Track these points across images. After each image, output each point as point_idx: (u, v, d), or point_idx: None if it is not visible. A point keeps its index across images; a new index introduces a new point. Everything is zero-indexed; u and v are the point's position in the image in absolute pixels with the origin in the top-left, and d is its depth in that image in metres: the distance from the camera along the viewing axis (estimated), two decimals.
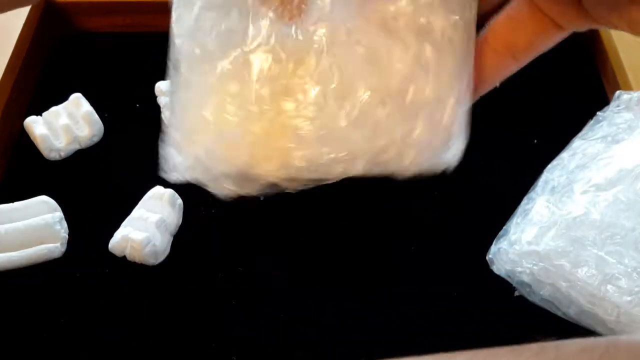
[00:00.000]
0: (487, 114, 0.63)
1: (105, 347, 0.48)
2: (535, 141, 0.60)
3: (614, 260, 0.46)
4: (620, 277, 0.46)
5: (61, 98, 0.61)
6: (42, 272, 0.51)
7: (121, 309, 0.50)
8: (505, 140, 0.61)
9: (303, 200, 0.56)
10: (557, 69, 0.68)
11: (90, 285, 0.51)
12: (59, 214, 0.53)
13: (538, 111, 0.64)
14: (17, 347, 0.48)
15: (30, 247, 0.51)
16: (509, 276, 0.49)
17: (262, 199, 0.56)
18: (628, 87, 0.60)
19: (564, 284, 0.47)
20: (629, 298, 0.45)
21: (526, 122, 0.62)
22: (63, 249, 0.52)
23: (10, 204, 0.53)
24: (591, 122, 0.57)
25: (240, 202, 0.55)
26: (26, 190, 0.55)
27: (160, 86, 0.63)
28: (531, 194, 0.53)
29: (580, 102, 0.59)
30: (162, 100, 0.62)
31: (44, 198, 0.53)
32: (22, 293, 0.50)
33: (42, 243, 0.51)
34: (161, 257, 0.52)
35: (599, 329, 0.47)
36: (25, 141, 0.59)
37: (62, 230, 0.52)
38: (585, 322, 0.47)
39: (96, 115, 0.60)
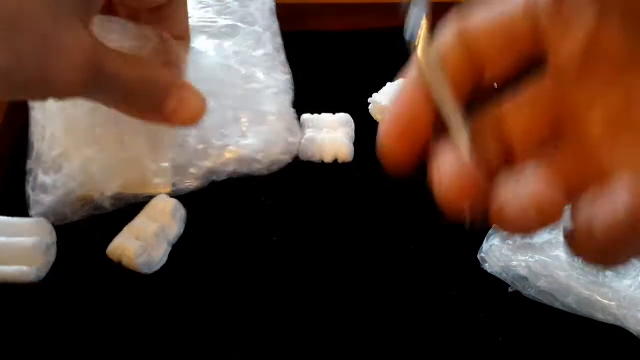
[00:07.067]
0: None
1: (104, 349, 0.48)
2: None
3: None
4: None
5: None
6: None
7: (120, 312, 0.50)
8: None
9: (302, 209, 0.56)
10: None
11: (85, 288, 0.51)
12: (49, 239, 0.51)
13: None
14: (11, 354, 0.48)
15: (8, 264, 0.50)
16: (504, 272, 0.49)
17: (267, 201, 0.56)
18: None
19: (561, 273, 0.47)
20: (628, 282, 0.46)
21: None
22: (41, 274, 0.50)
23: (6, 218, 0.52)
24: None
25: (244, 214, 0.55)
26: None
27: None
28: None
29: None
30: None
31: (41, 220, 0.52)
32: (20, 294, 0.50)
33: (20, 264, 0.50)
34: (156, 267, 0.51)
35: (599, 315, 0.47)
36: (26, 142, 0.58)
37: (46, 255, 0.51)
38: (585, 310, 0.48)
39: None
